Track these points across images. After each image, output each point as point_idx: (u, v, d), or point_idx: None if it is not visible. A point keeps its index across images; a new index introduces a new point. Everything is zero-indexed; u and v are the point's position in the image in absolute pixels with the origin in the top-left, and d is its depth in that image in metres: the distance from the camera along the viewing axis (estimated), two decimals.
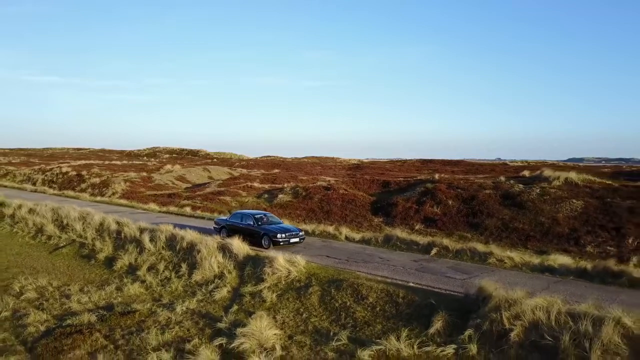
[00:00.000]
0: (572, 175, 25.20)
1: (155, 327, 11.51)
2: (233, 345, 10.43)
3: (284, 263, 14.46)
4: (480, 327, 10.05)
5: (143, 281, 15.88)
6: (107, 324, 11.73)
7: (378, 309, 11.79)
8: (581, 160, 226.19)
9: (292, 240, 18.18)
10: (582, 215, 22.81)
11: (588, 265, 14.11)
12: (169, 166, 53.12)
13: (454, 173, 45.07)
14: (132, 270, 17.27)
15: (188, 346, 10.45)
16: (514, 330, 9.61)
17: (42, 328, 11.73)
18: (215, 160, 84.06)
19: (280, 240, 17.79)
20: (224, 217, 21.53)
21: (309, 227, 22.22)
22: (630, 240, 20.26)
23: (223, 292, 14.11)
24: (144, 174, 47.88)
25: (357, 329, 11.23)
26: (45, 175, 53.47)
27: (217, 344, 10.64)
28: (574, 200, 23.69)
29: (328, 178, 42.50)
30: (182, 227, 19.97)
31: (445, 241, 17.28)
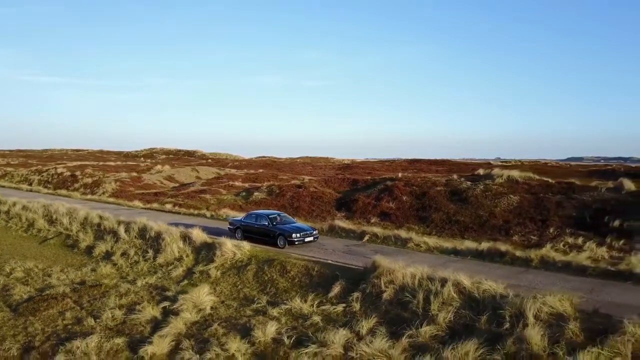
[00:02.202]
0: (514, 173, 28.04)
1: (115, 295, 14.47)
2: (174, 306, 13.38)
3: (232, 247, 17.39)
4: (365, 290, 12.98)
5: (115, 264, 18.87)
6: (77, 293, 14.68)
7: (296, 280, 14.71)
8: (580, 159, 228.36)
9: (307, 239, 18.43)
10: (517, 209, 25.65)
11: (484, 247, 16.96)
12: (159, 167, 56.15)
13: (437, 172, 47.83)
14: (107, 256, 20.22)
15: (138, 307, 13.38)
16: (387, 291, 12.53)
17: (25, 296, 14.71)
18: (209, 160, 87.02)
19: (296, 239, 18.10)
20: (239, 218, 21.52)
21: None
22: (551, 230, 23.10)
23: (179, 271, 17.08)
24: (135, 174, 50.88)
25: (277, 295, 14.16)
26: (42, 176, 56.53)
27: (162, 306, 13.58)
28: (512, 196, 26.53)
29: (307, 177, 45.42)
30: (160, 221, 22.85)
31: (376, 229, 20.23)
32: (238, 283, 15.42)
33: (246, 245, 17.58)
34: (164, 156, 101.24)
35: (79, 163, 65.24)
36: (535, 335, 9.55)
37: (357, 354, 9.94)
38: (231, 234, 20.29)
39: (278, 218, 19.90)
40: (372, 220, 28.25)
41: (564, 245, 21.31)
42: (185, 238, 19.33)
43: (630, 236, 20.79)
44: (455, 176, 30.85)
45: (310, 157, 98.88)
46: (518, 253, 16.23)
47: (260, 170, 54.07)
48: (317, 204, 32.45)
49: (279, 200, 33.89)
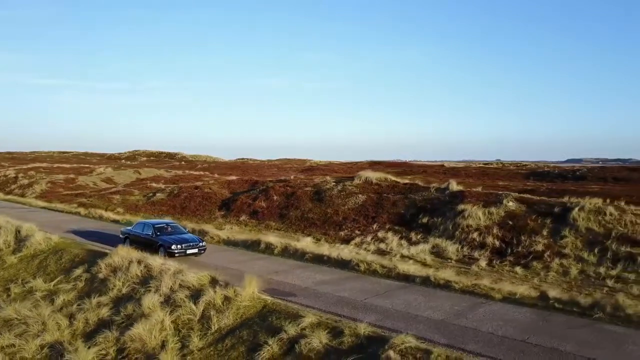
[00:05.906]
0: (370, 174, 30.60)
1: None
2: None
3: (40, 239, 20.23)
4: (92, 272, 15.75)
5: None
6: None
7: (63, 265, 17.54)
8: (579, 161, 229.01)
9: (190, 251, 17.61)
10: (360, 207, 28.24)
11: (250, 239, 19.66)
12: (101, 169, 59.37)
13: (387, 174, 50.51)
14: None
15: None
16: (102, 272, 15.29)
17: None
18: (183, 163, 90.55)
19: (176, 251, 17.26)
20: (129, 227, 20.62)
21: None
22: (374, 226, 25.68)
23: None
24: (72, 176, 54.09)
25: (38, 276, 16.95)
26: None
27: None
28: (360, 195, 29.11)
29: (235, 177, 48.18)
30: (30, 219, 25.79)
31: (188, 223, 22.93)
32: (22, 268, 18.28)
33: (55, 238, 20.42)
34: (145, 158, 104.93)
35: (34, 165, 68.72)
36: (152, 301, 12.27)
37: (20, 316, 12.74)
38: (122, 243, 19.42)
39: (168, 228, 19.17)
40: (242, 218, 31.07)
41: (371, 239, 23.97)
42: (17, 231, 22.21)
43: (429, 231, 23.36)
44: (328, 177, 33.47)
45: (289, 159, 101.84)
46: (274, 242, 18.92)
47: (199, 172, 57.01)
48: (204, 204, 35.25)
49: (173, 201, 36.75)
